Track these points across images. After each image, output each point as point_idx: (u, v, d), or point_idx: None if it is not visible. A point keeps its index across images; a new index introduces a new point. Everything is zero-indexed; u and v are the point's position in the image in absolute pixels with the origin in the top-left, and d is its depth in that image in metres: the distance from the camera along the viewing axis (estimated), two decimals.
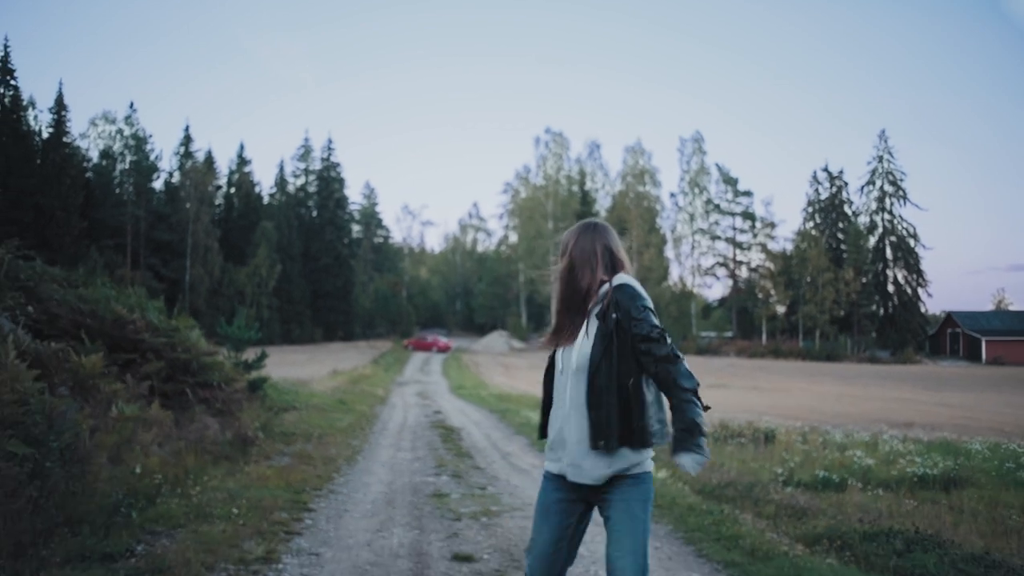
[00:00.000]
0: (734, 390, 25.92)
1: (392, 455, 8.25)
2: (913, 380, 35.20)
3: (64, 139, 44.62)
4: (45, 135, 44.38)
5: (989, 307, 67.57)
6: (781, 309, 58.95)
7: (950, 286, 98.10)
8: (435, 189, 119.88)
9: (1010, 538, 5.73)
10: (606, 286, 2.23)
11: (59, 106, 44.64)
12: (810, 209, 60.33)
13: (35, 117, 45.21)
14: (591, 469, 2.14)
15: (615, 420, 2.11)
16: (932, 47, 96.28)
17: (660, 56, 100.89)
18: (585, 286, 2.24)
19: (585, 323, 2.23)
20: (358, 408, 13.80)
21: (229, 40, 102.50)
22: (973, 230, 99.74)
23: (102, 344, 6.58)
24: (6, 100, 42.00)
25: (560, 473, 2.22)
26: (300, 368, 24.48)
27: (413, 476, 6.83)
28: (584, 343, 2.20)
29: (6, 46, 42.33)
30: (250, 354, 11.06)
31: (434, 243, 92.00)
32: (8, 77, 42.46)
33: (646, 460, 2.19)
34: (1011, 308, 66.16)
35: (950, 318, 56.95)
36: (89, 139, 51.61)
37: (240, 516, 4.39)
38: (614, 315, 2.16)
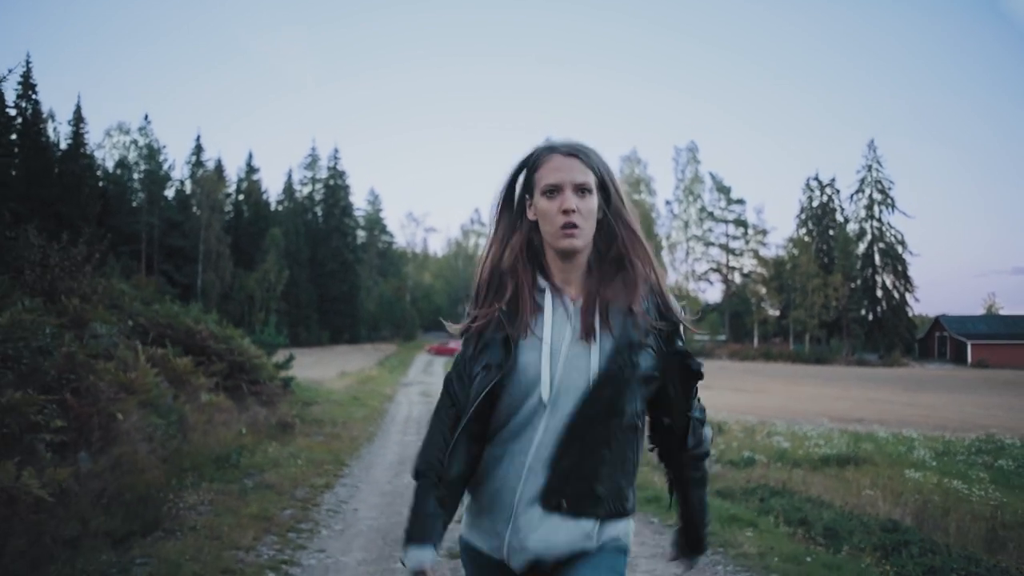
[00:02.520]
0: (719, 391, 27.32)
1: (401, 437, 10.35)
2: (895, 382, 36.57)
3: (82, 150, 46.74)
4: (63, 146, 46.42)
5: (980, 311, 69.18)
6: (773, 313, 60.97)
7: (951, 288, 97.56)
8: (436, 189, 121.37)
9: (859, 496, 7.72)
10: None
11: (77, 119, 46.74)
12: (802, 216, 62.20)
13: (54, 129, 47.14)
14: (558, 545, 1.38)
15: (620, 478, 1.41)
16: (931, 47, 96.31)
17: (658, 56, 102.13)
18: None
19: (572, 315, 1.47)
20: (370, 404, 15.85)
21: (229, 40, 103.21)
22: (974, 232, 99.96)
23: (181, 350, 8.62)
24: (28, 114, 44.11)
25: (493, 554, 1.45)
26: (309, 370, 26.23)
27: (418, 449, 8.88)
28: (595, 351, 1.40)
29: (28, 62, 44.42)
30: (278, 356, 13.11)
31: (437, 247, 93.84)
32: (30, 91, 44.59)
33: (630, 529, 1.47)
34: (1000, 312, 67.74)
35: (938, 322, 58.25)
36: (104, 149, 53.60)
37: (304, 466, 6.54)
38: (661, 326, 1.47)
